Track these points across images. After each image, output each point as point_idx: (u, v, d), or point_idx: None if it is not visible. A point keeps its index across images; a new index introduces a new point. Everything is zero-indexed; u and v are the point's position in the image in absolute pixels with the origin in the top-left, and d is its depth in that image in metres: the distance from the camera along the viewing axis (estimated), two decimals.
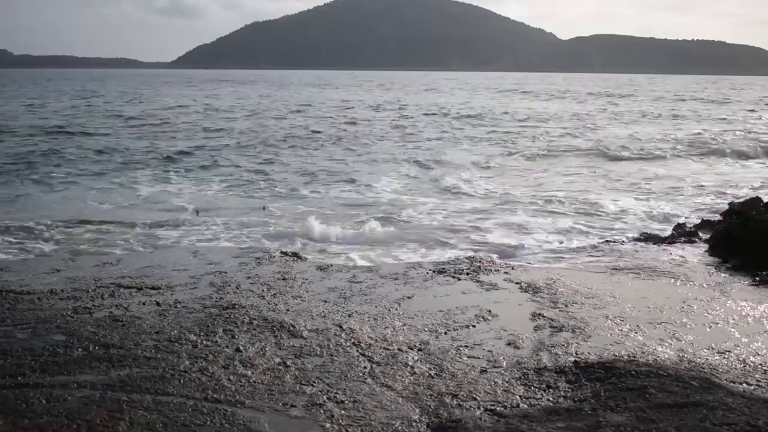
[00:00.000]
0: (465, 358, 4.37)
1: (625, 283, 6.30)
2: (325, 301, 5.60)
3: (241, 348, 4.46)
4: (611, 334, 4.85)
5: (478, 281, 6.31)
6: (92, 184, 13.71)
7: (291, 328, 4.87)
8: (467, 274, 6.55)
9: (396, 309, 5.42)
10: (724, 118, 34.47)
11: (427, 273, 6.60)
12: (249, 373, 4.08)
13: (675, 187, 14.02)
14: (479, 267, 6.81)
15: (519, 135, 24.99)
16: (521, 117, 34.04)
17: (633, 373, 4.01)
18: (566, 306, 5.50)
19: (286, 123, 28.91)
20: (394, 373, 4.12)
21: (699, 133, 25.67)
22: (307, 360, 4.31)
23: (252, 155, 18.64)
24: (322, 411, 3.61)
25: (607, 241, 8.63)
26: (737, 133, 26.08)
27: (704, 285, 6.22)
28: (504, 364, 4.29)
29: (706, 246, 7.88)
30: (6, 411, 3.52)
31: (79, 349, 4.37)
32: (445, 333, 4.86)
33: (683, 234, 8.79)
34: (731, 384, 3.94)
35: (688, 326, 5.03)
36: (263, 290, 5.89)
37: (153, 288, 5.89)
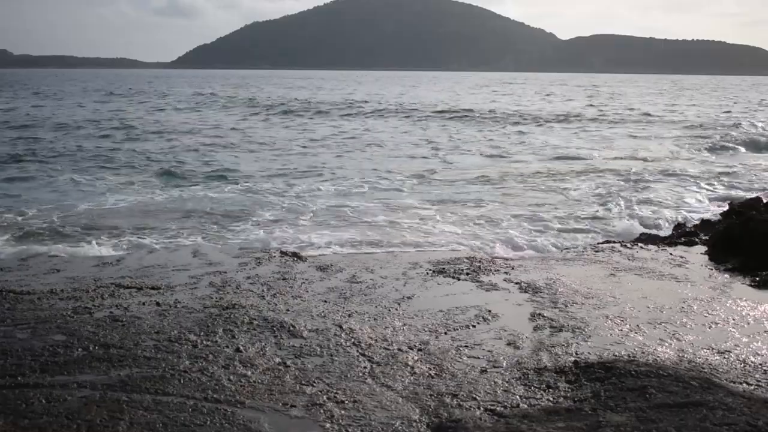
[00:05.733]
0: (465, 358, 4.37)
1: (625, 283, 6.30)
2: (325, 301, 5.60)
3: (241, 348, 4.46)
4: (611, 334, 4.85)
5: (478, 281, 6.31)
6: None
7: (291, 328, 4.87)
8: (467, 274, 6.55)
9: (396, 309, 5.42)
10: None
11: (427, 273, 6.60)
12: (249, 373, 4.08)
13: None
14: (479, 267, 6.81)
15: None
16: None
17: (633, 373, 4.01)
18: (566, 306, 5.50)
19: None
20: (394, 373, 4.12)
21: None
22: (307, 360, 4.31)
23: None
24: (322, 411, 3.61)
25: (607, 241, 8.64)
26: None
27: (704, 285, 6.22)
28: (504, 364, 4.29)
29: (705, 246, 7.88)
30: (6, 411, 3.52)
31: (79, 349, 4.37)
32: (445, 333, 4.86)
33: (683, 234, 8.79)
34: (731, 384, 3.94)
35: (688, 326, 5.03)
36: (263, 290, 5.89)
37: (153, 288, 5.89)
